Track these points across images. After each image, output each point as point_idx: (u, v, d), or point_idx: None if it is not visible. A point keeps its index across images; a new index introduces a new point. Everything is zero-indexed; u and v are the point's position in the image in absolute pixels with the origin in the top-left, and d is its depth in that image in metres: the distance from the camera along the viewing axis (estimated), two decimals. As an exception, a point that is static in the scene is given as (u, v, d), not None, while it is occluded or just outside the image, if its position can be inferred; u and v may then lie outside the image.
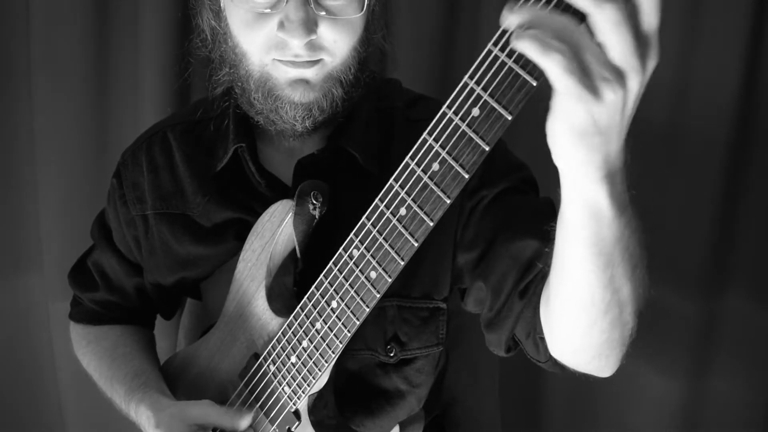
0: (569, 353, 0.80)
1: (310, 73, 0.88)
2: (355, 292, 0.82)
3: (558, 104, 0.57)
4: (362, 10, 0.87)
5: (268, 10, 0.86)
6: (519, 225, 0.89)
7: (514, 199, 0.93)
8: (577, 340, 0.75)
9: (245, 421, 0.93)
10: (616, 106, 0.55)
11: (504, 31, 0.60)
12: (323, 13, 0.85)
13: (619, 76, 0.54)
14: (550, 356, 0.84)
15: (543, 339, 0.83)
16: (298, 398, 0.92)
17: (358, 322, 0.83)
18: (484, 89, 0.63)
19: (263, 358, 0.94)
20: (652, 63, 0.56)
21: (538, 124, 1.35)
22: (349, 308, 0.83)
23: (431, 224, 0.72)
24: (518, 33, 0.54)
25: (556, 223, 0.72)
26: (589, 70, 0.54)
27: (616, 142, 0.58)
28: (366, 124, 0.99)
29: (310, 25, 0.84)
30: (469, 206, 0.94)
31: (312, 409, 0.95)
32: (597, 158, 0.58)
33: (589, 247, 0.64)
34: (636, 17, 0.53)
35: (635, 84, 0.55)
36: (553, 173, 0.79)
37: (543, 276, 0.83)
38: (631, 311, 0.71)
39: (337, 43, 0.88)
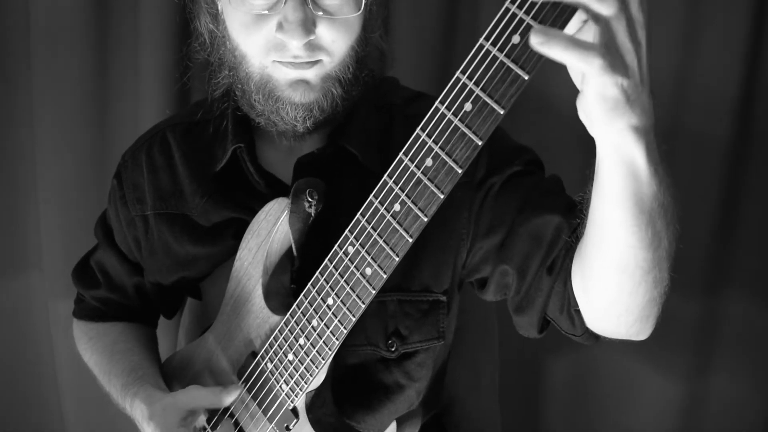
0: (612, 319, 0.81)
1: (309, 74, 0.89)
2: (350, 288, 0.82)
3: (587, 85, 0.59)
4: (360, 9, 0.88)
5: (266, 12, 0.86)
6: (535, 204, 0.90)
7: (523, 180, 0.95)
8: (623, 304, 0.77)
9: (231, 397, 0.95)
10: (636, 67, 0.59)
11: (495, 26, 0.61)
12: (321, 13, 0.86)
13: (636, 38, 0.58)
14: (587, 329, 0.86)
15: (578, 312, 0.85)
16: (296, 396, 0.92)
17: (354, 319, 0.83)
18: (477, 84, 0.64)
19: (261, 356, 0.94)
20: (646, 7, 0.59)
21: (537, 117, 1.35)
22: (345, 305, 0.83)
23: (425, 219, 0.72)
24: (545, 38, 0.55)
25: (583, 194, 0.76)
26: (615, 48, 0.57)
27: (646, 92, 0.61)
28: (365, 122, 0.99)
29: (308, 26, 0.84)
30: (479, 197, 0.95)
31: (310, 407, 0.95)
32: (633, 119, 0.61)
33: (630, 208, 0.67)
34: None
35: (643, 37, 0.59)
36: (557, 164, 0.78)
37: (568, 249, 0.85)
38: (667, 267, 0.74)
39: (336, 42, 0.88)
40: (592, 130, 0.63)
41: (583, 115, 0.63)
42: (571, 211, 0.86)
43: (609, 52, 0.57)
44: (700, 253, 1.48)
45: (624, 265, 0.72)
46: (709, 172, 1.45)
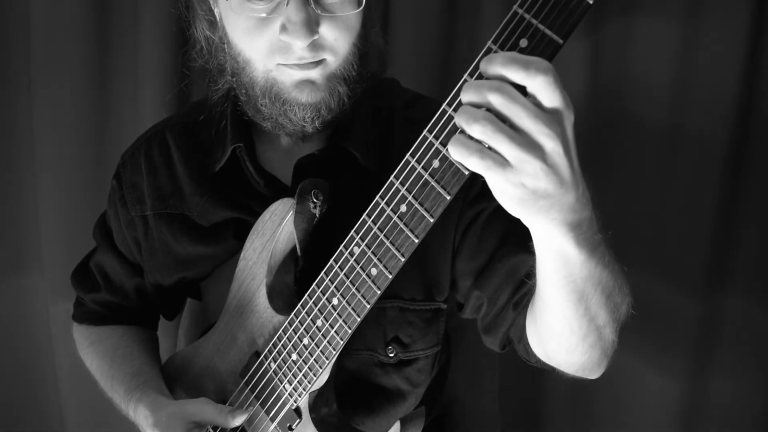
0: (554, 364, 0.86)
1: (314, 74, 0.89)
2: (356, 288, 0.82)
3: (491, 186, 0.61)
4: (360, 6, 0.88)
5: (268, 15, 0.86)
6: (516, 240, 0.91)
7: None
8: (561, 359, 0.82)
9: (238, 420, 0.94)
10: (541, 170, 0.58)
11: (503, 30, 0.61)
12: (323, 12, 0.85)
13: (533, 148, 0.57)
14: (539, 359, 0.89)
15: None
16: (299, 396, 0.92)
17: (359, 319, 0.83)
18: None
19: (264, 356, 0.95)
20: (568, 121, 0.59)
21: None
22: (350, 305, 0.83)
23: (432, 221, 0.72)
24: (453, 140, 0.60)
25: None
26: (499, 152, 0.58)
27: (571, 193, 0.60)
28: (365, 123, 0.99)
29: (311, 26, 0.84)
30: (468, 216, 0.96)
31: (313, 407, 0.95)
32: (556, 216, 0.61)
33: (562, 287, 0.69)
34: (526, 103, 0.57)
35: (552, 146, 0.58)
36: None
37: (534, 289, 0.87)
38: (611, 330, 0.77)
39: (338, 41, 0.88)
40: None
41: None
42: None
43: (489, 155, 0.58)
44: (700, 254, 1.49)
45: (560, 329, 0.76)
46: (709, 172, 1.45)
